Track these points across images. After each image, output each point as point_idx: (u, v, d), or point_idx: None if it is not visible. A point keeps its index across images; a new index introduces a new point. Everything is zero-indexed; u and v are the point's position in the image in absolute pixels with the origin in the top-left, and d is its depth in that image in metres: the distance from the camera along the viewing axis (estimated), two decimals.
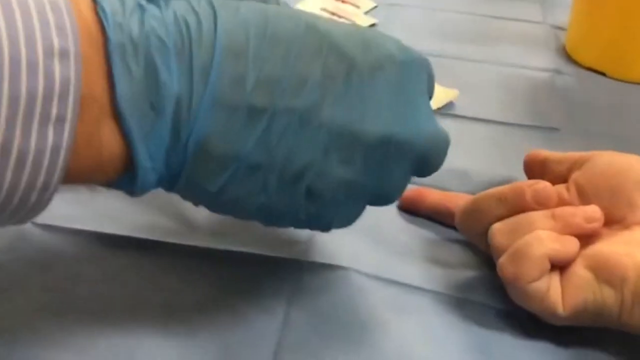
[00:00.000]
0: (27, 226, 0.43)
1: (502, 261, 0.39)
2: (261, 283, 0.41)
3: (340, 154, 0.33)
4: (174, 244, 0.43)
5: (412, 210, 0.48)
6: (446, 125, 0.58)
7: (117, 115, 0.29)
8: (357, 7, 0.79)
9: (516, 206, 0.40)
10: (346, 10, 0.77)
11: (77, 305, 0.39)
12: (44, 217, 0.43)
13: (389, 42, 0.34)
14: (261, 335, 0.38)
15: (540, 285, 0.37)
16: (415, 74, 0.35)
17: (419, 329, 0.39)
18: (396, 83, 0.34)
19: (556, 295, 0.37)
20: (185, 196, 0.34)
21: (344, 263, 0.43)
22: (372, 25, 0.75)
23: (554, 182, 0.41)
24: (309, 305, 0.40)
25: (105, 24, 0.28)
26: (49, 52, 0.26)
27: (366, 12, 0.78)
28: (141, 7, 0.30)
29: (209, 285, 0.41)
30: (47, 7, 0.27)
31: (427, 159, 0.36)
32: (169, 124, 0.30)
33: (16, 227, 0.42)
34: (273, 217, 0.34)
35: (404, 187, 0.37)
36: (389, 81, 0.33)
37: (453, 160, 0.53)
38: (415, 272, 0.43)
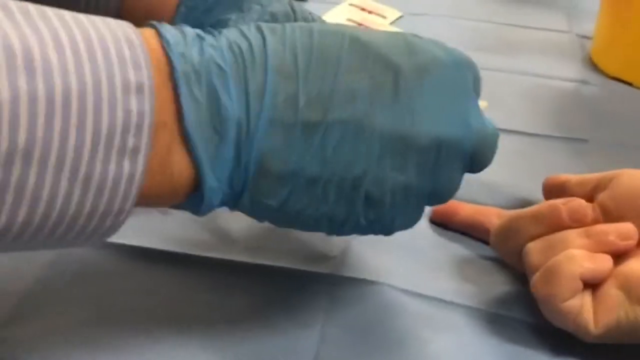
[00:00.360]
0: None
1: (535, 280, 0.39)
2: (296, 297, 0.42)
3: (393, 160, 0.34)
4: (209, 258, 0.44)
5: (444, 224, 0.48)
6: None
7: (185, 141, 0.31)
8: (384, 17, 0.79)
9: (552, 224, 0.40)
10: (372, 20, 0.78)
11: (117, 318, 0.39)
12: None
13: (433, 45, 0.35)
14: (299, 349, 0.38)
15: (572, 304, 0.38)
16: (461, 74, 0.36)
17: (454, 345, 0.39)
18: (443, 85, 0.34)
19: (588, 313, 0.38)
20: (248, 213, 0.35)
21: (377, 278, 0.43)
22: (400, 17, 0.76)
23: None
24: (345, 319, 0.40)
25: (170, 54, 0.30)
26: (126, 88, 0.28)
27: (392, 22, 0.78)
28: (200, 37, 0.32)
29: (244, 299, 0.41)
30: (123, 44, 0.29)
31: (477, 156, 0.37)
32: (232, 145, 0.31)
33: None
34: (335, 225, 0.35)
35: (458, 185, 0.37)
36: (436, 84, 0.34)
37: (483, 172, 0.54)
38: (449, 287, 0.43)
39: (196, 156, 0.31)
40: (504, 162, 0.55)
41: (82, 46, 0.28)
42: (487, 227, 0.46)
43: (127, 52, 0.29)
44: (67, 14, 0.28)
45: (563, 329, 0.39)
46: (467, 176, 0.52)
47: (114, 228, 0.31)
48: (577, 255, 0.38)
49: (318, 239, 0.46)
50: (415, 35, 0.35)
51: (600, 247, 0.39)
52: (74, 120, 0.27)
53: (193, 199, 0.33)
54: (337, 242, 0.46)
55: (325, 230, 0.36)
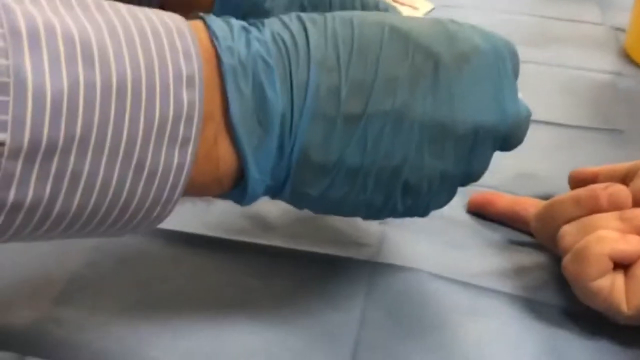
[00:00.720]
0: None
1: (566, 260, 0.40)
2: (335, 283, 0.42)
3: (432, 148, 0.34)
4: (250, 244, 0.45)
5: (482, 214, 0.49)
6: None
7: (230, 132, 0.31)
8: (416, 8, 0.79)
9: (591, 210, 0.40)
10: (404, 12, 0.78)
11: (162, 302, 0.40)
12: None
13: (472, 32, 0.35)
14: (339, 333, 0.39)
15: (602, 283, 0.38)
16: (499, 60, 0.36)
17: (492, 331, 0.40)
18: (482, 72, 0.35)
19: (620, 294, 0.38)
20: (289, 202, 0.35)
21: (416, 265, 0.44)
22: (432, 10, 0.76)
23: None
24: (384, 305, 0.41)
25: (218, 48, 0.31)
26: (178, 79, 0.29)
27: (425, 14, 0.79)
28: (246, 30, 0.32)
29: (284, 284, 0.42)
30: (175, 35, 0.29)
31: (510, 139, 0.37)
32: (275, 138, 0.32)
33: None
34: (372, 211, 0.36)
35: (489, 164, 0.38)
36: (475, 72, 0.34)
37: (519, 163, 0.54)
38: (486, 273, 0.44)
39: (241, 148, 0.31)
40: (541, 153, 0.56)
41: (136, 37, 0.28)
42: (524, 218, 0.46)
43: (179, 44, 0.29)
44: (122, 7, 0.29)
45: (595, 309, 0.39)
46: (505, 167, 0.53)
47: (161, 217, 0.31)
48: (607, 236, 0.38)
49: (355, 227, 0.47)
50: (455, 22, 0.36)
51: (633, 229, 0.39)
52: (128, 108, 0.27)
53: (237, 189, 0.33)
54: (373, 230, 0.47)
55: (362, 215, 0.37)
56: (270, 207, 0.47)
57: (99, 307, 0.40)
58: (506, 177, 0.53)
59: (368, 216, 0.37)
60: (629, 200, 0.40)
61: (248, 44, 0.32)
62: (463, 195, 0.50)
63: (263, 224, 0.46)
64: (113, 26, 0.28)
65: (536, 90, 0.64)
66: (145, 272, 0.42)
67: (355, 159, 0.33)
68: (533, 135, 0.58)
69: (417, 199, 0.36)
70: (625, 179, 0.43)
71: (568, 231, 0.41)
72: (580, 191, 0.41)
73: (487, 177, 0.51)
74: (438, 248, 0.46)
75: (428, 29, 0.34)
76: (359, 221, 0.47)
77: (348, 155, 0.33)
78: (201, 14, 0.33)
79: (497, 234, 0.47)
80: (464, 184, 0.38)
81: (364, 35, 0.33)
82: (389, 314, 0.40)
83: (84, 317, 0.39)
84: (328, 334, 0.39)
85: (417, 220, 0.47)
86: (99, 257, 0.43)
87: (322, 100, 0.32)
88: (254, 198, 0.34)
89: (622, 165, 0.44)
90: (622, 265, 0.38)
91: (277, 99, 0.31)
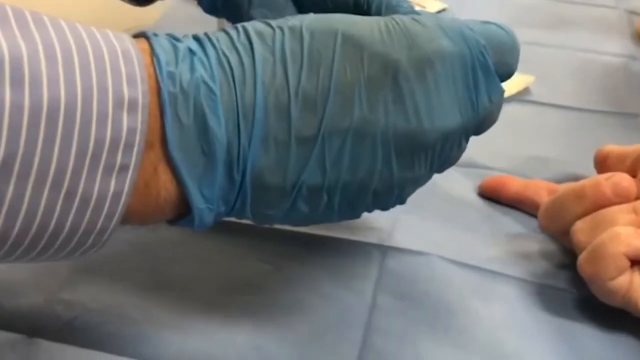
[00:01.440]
0: None
1: (581, 260, 0.39)
2: (347, 267, 0.42)
3: (400, 159, 0.33)
4: (261, 228, 0.44)
5: (493, 198, 0.48)
6: (523, 111, 0.59)
7: (171, 162, 0.30)
8: (423, 7, 0.78)
9: (596, 201, 0.40)
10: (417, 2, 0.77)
11: (173, 285, 0.40)
12: None
13: (437, 32, 0.33)
14: (350, 317, 0.39)
15: (620, 282, 0.37)
16: (468, 60, 0.33)
17: (503, 316, 0.39)
18: (448, 75, 0.33)
19: (638, 291, 0.37)
20: (255, 221, 0.34)
21: (427, 249, 0.43)
22: (442, 10, 0.75)
23: None
24: (396, 289, 0.40)
25: (159, 74, 0.29)
26: (119, 103, 0.27)
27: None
28: (191, 52, 0.30)
29: (296, 267, 0.42)
30: (120, 57, 0.28)
31: (483, 126, 0.36)
32: (222, 166, 0.30)
33: None
34: (344, 218, 0.35)
35: (462, 154, 0.36)
36: (440, 76, 0.32)
37: (531, 146, 0.54)
38: (498, 258, 0.43)
39: (181, 179, 0.30)
40: (553, 136, 0.56)
41: (75, 58, 0.26)
42: (537, 202, 0.46)
43: (122, 66, 0.28)
44: (65, 25, 0.27)
45: (613, 305, 0.38)
46: (517, 150, 0.53)
47: (96, 245, 0.30)
48: (622, 234, 0.37)
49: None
50: (417, 21, 0.33)
51: None
52: (59, 133, 0.26)
53: (185, 220, 0.32)
54: (385, 214, 0.46)
55: (333, 222, 0.36)
56: None
57: (107, 289, 0.39)
58: (518, 160, 0.52)
59: (340, 221, 0.36)
60: (633, 188, 0.40)
61: (192, 68, 0.30)
62: (475, 179, 0.50)
63: None
64: (51, 45, 0.26)
65: (549, 74, 0.64)
66: (155, 255, 0.42)
67: (315, 179, 0.32)
68: (545, 118, 0.58)
69: (388, 203, 0.35)
70: (634, 163, 0.42)
71: (581, 228, 0.40)
72: (584, 183, 0.41)
73: (498, 161, 0.52)
74: (449, 232, 0.45)
75: (387, 34, 0.32)
76: None
77: (307, 176, 0.32)
78: (148, 32, 0.31)
79: (509, 218, 0.47)
80: (437, 172, 0.37)
81: (314, 48, 0.31)
82: (400, 298, 0.40)
83: (92, 299, 0.39)
84: (338, 318, 0.39)
85: (429, 204, 0.47)
86: (109, 239, 0.42)
87: (271, 123, 0.30)
88: (206, 224, 0.32)
89: (633, 147, 0.43)
90: (638, 261, 0.38)
91: (221, 128, 0.30)
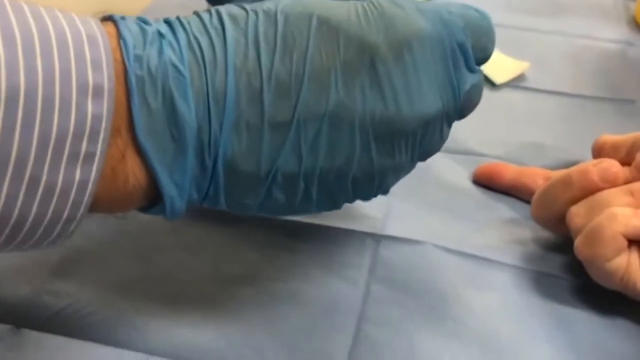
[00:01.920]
0: None
1: (578, 242, 0.38)
2: (340, 256, 0.41)
3: (379, 146, 0.32)
4: (251, 217, 0.44)
5: (488, 185, 0.48)
6: (519, 98, 0.58)
7: (139, 148, 0.29)
8: None
9: (584, 187, 0.39)
10: None
11: (162, 275, 0.40)
12: None
13: (415, 13, 0.32)
14: (343, 308, 0.38)
15: (617, 263, 0.37)
16: (449, 40, 0.33)
17: (498, 304, 0.39)
18: (428, 58, 0.32)
19: (636, 271, 0.37)
20: (230, 210, 0.33)
21: (421, 237, 0.43)
22: None
23: None
24: (389, 278, 0.40)
25: (125, 57, 0.28)
26: (83, 90, 0.26)
27: None
28: (160, 35, 0.30)
29: (289, 257, 0.41)
30: (85, 42, 0.27)
31: (464, 111, 0.35)
32: (192, 152, 0.30)
33: None
34: (324, 209, 0.35)
35: (445, 140, 0.36)
36: (419, 59, 0.32)
37: (526, 133, 0.53)
38: (493, 246, 0.43)
39: (151, 165, 0.29)
40: (548, 123, 0.55)
41: (37, 43, 0.25)
42: (532, 189, 0.45)
43: (87, 51, 0.27)
44: (28, 9, 0.26)
45: (611, 289, 0.38)
46: (512, 137, 0.52)
47: (64, 235, 0.29)
48: (618, 214, 0.37)
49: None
50: (395, 3, 0.32)
51: None
52: (19, 120, 0.25)
53: (157, 206, 0.31)
54: (378, 202, 0.45)
55: (315, 212, 0.35)
56: None
57: (96, 279, 0.39)
58: (512, 147, 0.52)
59: (320, 211, 0.35)
60: (621, 174, 0.39)
61: (160, 51, 0.29)
62: (469, 167, 0.49)
63: None
64: (10, 31, 0.25)
65: (545, 60, 0.63)
66: (144, 244, 0.42)
67: (291, 166, 0.31)
68: (540, 105, 0.58)
69: (369, 192, 0.35)
70: (630, 151, 0.41)
71: (577, 212, 0.39)
72: (571, 170, 0.40)
73: (492, 148, 0.51)
74: (444, 220, 0.45)
75: (363, 16, 0.31)
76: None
77: (282, 163, 0.31)
78: (115, 16, 0.30)
79: (503, 206, 0.46)
80: (421, 160, 0.36)
81: (289, 32, 0.30)
82: (393, 288, 0.39)
83: (81, 289, 0.38)
84: (332, 308, 0.38)
85: (423, 192, 0.47)
86: (96, 229, 0.42)
87: (243, 107, 0.30)
88: (176, 213, 0.31)
89: (628, 136, 0.42)
90: (635, 242, 0.37)
91: (190, 112, 0.29)
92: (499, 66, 0.61)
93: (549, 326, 0.38)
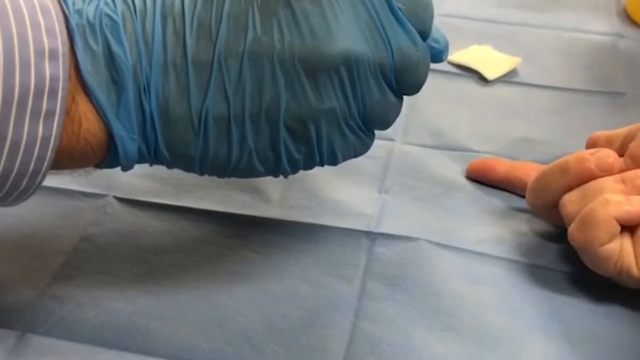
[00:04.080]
0: (111, 201, 0.45)
1: (572, 229, 0.39)
2: (335, 254, 0.42)
3: (303, 85, 0.33)
4: (249, 216, 0.44)
5: (481, 181, 0.48)
6: (510, 93, 0.59)
7: (87, 92, 0.32)
8: None
9: (580, 175, 0.40)
10: None
11: (161, 277, 0.40)
12: (126, 193, 0.45)
13: None
14: (340, 304, 0.39)
15: (611, 247, 0.38)
16: None
17: (495, 298, 0.39)
18: (349, 2, 0.33)
19: (629, 257, 0.38)
20: (177, 166, 0.35)
21: (415, 234, 0.43)
22: None
23: None
24: (384, 274, 0.41)
25: (66, 10, 0.31)
26: (40, 53, 0.29)
27: None
28: None
29: (285, 255, 0.42)
30: (39, 12, 0.30)
31: (403, 75, 0.35)
32: (131, 94, 0.32)
33: (102, 203, 0.45)
34: (270, 166, 0.35)
35: (392, 107, 0.36)
36: (337, 1, 0.33)
37: (519, 128, 0.54)
38: (487, 240, 0.43)
39: (98, 104, 0.32)
40: (540, 117, 0.56)
41: None
42: (526, 182, 0.45)
43: (41, 20, 0.30)
44: None
45: (605, 275, 0.39)
46: (504, 132, 0.53)
47: (29, 189, 0.32)
48: (611, 199, 0.38)
49: (354, 198, 0.46)
50: None
51: (636, 191, 0.38)
52: None
53: (112, 155, 0.33)
54: (373, 200, 0.46)
55: (267, 172, 0.36)
56: (269, 180, 0.47)
57: (97, 282, 0.40)
58: (505, 142, 0.52)
59: (272, 172, 0.36)
60: (617, 164, 0.40)
61: (97, 7, 0.32)
62: (462, 162, 0.50)
63: (262, 197, 0.46)
64: None
65: (535, 54, 0.64)
66: (144, 247, 0.42)
67: (219, 107, 0.33)
68: (532, 99, 0.58)
69: (312, 145, 0.35)
70: (623, 143, 0.42)
71: (570, 199, 0.40)
72: (568, 157, 0.41)
73: (485, 143, 0.52)
74: (438, 215, 0.45)
75: None
76: (358, 191, 0.47)
77: (211, 104, 0.33)
78: None
79: (497, 200, 0.47)
80: (370, 127, 0.36)
81: None
82: (389, 284, 0.40)
83: (83, 293, 0.39)
84: (328, 305, 0.39)
85: (416, 188, 0.47)
86: (96, 232, 0.43)
87: (169, 49, 0.32)
88: (130, 159, 0.33)
89: (620, 130, 0.43)
90: (627, 228, 0.38)
91: (126, 55, 0.32)
92: (491, 62, 0.61)
93: (542, 317, 0.38)
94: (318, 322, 0.38)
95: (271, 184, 0.47)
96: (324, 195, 0.47)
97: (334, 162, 0.37)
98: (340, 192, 0.47)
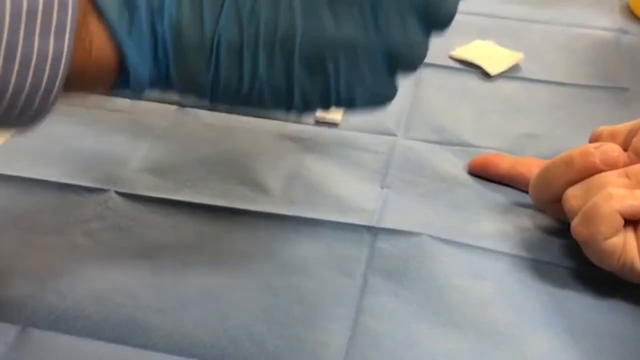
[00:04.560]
0: (113, 196, 0.45)
1: (575, 223, 0.39)
2: (337, 248, 0.42)
3: (323, 11, 0.32)
4: (251, 211, 0.44)
5: (484, 176, 0.48)
6: (513, 88, 0.59)
7: (99, 13, 0.31)
8: None
9: (585, 169, 0.40)
10: None
11: (163, 271, 0.40)
12: (128, 188, 0.45)
13: None
14: (342, 298, 0.39)
15: (615, 241, 0.37)
16: None
17: (498, 293, 0.39)
18: None
19: (633, 251, 0.37)
20: (189, 94, 0.34)
21: (417, 229, 0.43)
22: None
23: None
24: (386, 269, 0.41)
25: None
26: None
27: None
28: None
29: (286, 250, 0.42)
30: None
31: (433, 7, 0.33)
32: (144, 18, 0.31)
33: (103, 198, 0.45)
34: (281, 99, 0.34)
35: (420, 42, 0.33)
36: None
37: (521, 124, 0.54)
38: (489, 235, 0.43)
39: (111, 26, 0.31)
40: (543, 113, 0.55)
41: None
42: (528, 178, 0.45)
43: None
44: None
45: (608, 270, 0.39)
46: (507, 128, 0.53)
47: (43, 109, 0.31)
48: (614, 194, 0.38)
49: (357, 192, 0.46)
50: None
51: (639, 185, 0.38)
52: None
53: (124, 79, 0.32)
54: (375, 195, 0.46)
55: (277, 106, 0.34)
56: (271, 174, 0.47)
57: (99, 277, 0.39)
58: (508, 138, 0.52)
59: (283, 106, 0.34)
60: (622, 158, 0.40)
61: None
62: (465, 157, 0.50)
63: (264, 191, 0.46)
64: None
65: (539, 50, 0.64)
66: (145, 241, 0.42)
67: (233, 32, 0.32)
68: (535, 95, 0.58)
69: (327, 77, 0.33)
70: (627, 138, 0.42)
71: (573, 194, 0.40)
72: (572, 152, 0.41)
73: (488, 139, 0.52)
74: (440, 211, 0.45)
75: None
76: (360, 186, 0.47)
77: (224, 30, 0.32)
78: None
79: (499, 196, 0.47)
80: (395, 66, 0.34)
81: None
82: (390, 279, 0.40)
83: (85, 287, 0.39)
84: (330, 300, 0.39)
85: (418, 183, 0.47)
86: (98, 227, 0.43)
87: None
88: (142, 83, 0.33)
89: (624, 125, 0.43)
90: (630, 222, 0.38)
91: None
92: (493, 57, 0.61)
93: (545, 312, 0.38)
94: (320, 317, 0.38)
95: (273, 179, 0.47)
96: (326, 189, 0.46)
97: (350, 104, 0.34)
98: (342, 187, 0.47)
